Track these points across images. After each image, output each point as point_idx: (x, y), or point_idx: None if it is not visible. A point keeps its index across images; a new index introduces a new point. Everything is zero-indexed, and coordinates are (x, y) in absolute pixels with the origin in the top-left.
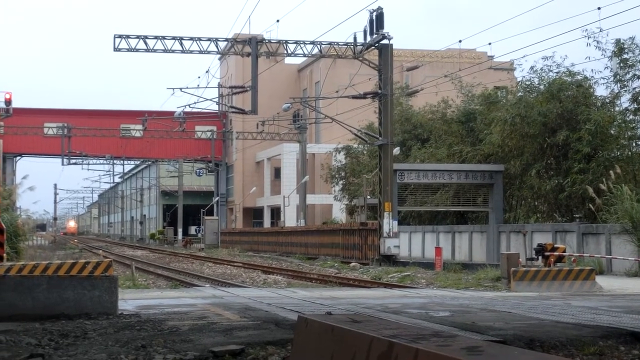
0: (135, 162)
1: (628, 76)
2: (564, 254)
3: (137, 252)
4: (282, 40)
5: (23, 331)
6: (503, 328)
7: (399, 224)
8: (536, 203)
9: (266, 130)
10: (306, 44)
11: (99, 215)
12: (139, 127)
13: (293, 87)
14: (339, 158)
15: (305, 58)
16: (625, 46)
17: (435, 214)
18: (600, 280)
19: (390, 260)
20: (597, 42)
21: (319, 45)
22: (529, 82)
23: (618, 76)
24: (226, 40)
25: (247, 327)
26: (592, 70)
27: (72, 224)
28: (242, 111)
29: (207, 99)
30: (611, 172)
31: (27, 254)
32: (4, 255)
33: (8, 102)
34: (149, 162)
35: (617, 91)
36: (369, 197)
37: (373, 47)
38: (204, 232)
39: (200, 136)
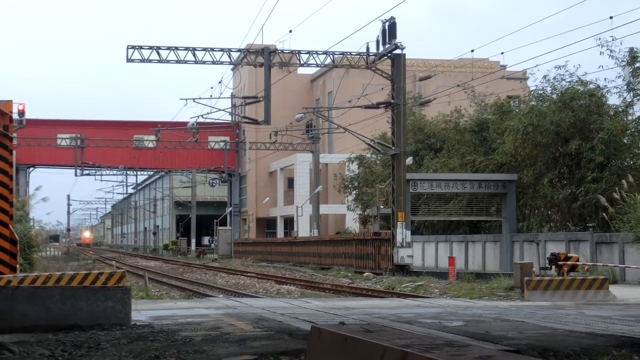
0: (149, 172)
1: None
2: (577, 263)
3: (150, 263)
4: (295, 51)
5: (36, 342)
6: (517, 337)
7: (412, 233)
8: (549, 212)
9: (279, 141)
10: (319, 54)
11: (112, 226)
12: (152, 137)
13: (306, 97)
14: (352, 168)
15: (318, 68)
16: (639, 55)
17: (449, 224)
18: (614, 289)
19: (403, 270)
20: (611, 50)
21: (331, 56)
22: (542, 91)
23: (631, 85)
24: (239, 50)
25: (260, 337)
26: (605, 79)
27: (87, 234)
28: (255, 121)
29: (220, 110)
30: (624, 181)
31: (40, 265)
32: (17, 266)
33: (21, 113)
34: (162, 173)
35: (630, 100)
36: (382, 206)
37: (386, 57)
38: (217, 242)
39: (214, 146)
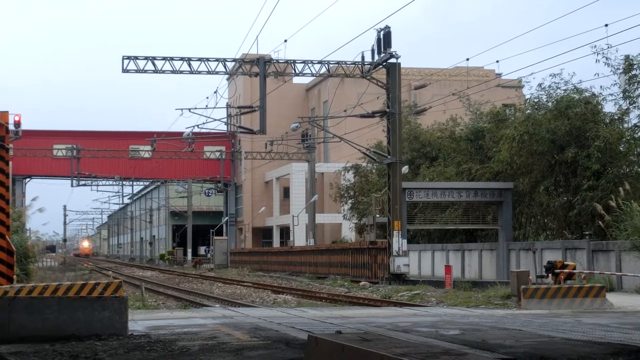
0: (145, 182)
1: (637, 92)
2: (574, 271)
3: (146, 273)
4: (290, 60)
5: (33, 352)
6: (514, 346)
7: (409, 242)
8: (545, 220)
9: (275, 150)
10: (314, 63)
11: (109, 236)
12: (148, 148)
13: (301, 106)
14: (347, 177)
15: (313, 77)
16: (635, 62)
17: (445, 232)
18: (611, 297)
19: (400, 278)
20: (607, 58)
21: (326, 65)
22: (537, 100)
23: (627, 92)
24: (234, 60)
25: (257, 347)
26: (600, 86)
27: (86, 244)
28: (250, 131)
29: (216, 119)
30: (620, 188)
31: (37, 276)
32: (14, 277)
33: (17, 124)
34: (158, 183)
35: (625, 107)
36: (378, 215)
37: (381, 66)
38: (213, 252)
39: (209, 156)
